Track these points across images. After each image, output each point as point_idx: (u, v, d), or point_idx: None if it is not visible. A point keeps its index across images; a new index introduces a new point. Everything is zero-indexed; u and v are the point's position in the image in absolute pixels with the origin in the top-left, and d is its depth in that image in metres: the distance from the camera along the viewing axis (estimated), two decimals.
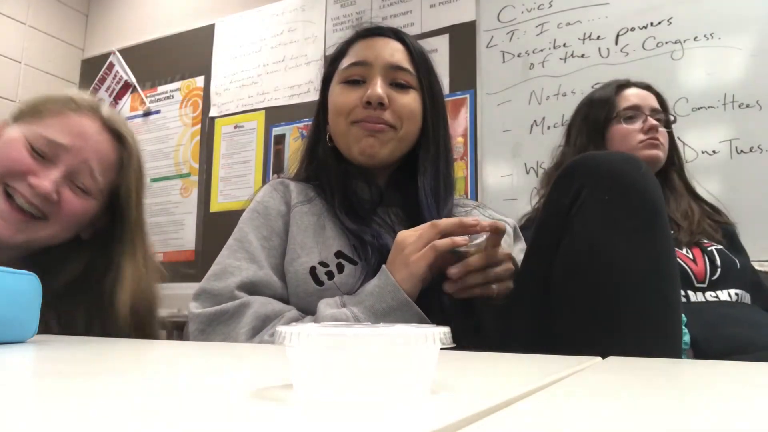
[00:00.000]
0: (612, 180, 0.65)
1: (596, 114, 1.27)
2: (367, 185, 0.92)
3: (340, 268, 0.81)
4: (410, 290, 0.73)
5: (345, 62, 0.92)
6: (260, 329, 0.76)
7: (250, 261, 0.84)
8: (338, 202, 0.87)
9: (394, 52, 0.91)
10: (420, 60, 0.93)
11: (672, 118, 1.29)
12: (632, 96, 1.25)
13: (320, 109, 0.98)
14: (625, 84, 1.29)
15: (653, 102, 1.26)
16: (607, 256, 0.63)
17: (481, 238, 0.74)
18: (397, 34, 0.94)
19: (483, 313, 0.80)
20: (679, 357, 0.63)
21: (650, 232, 0.64)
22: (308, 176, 0.96)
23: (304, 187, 0.93)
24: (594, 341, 0.63)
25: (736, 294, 1.08)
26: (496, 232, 0.73)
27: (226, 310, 0.78)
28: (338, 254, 0.82)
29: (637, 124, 1.23)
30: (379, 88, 0.87)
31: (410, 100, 0.90)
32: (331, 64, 0.96)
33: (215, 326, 0.77)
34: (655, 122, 1.22)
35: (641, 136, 1.21)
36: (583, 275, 0.65)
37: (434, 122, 0.93)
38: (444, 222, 0.74)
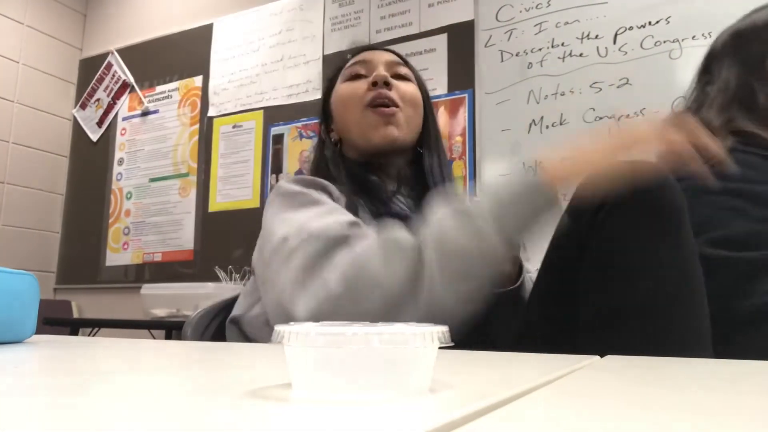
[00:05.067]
0: (636, 188, 0.67)
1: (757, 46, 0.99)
2: (381, 181, 0.94)
3: None
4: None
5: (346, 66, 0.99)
6: (390, 247, 0.65)
7: (343, 211, 0.76)
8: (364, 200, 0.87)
9: (388, 54, 0.99)
10: (409, 63, 1.01)
11: None
12: None
13: (323, 120, 1.02)
14: None
15: None
16: (635, 256, 0.65)
17: None
18: (388, 49, 1.01)
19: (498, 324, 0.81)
20: (710, 354, 0.64)
21: (676, 235, 0.66)
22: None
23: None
24: (618, 340, 0.64)
25: None
26: None
27: (350, 235, 0.66)
28: None
29: None
30: (382, 71, 0.93)
31: (410, 88, 0.96)
32: (330, 81, 1.02)
33: (336, 249, 0.65)
34: None
35: None
36: (610, 274, 0.66)
37: (432, 117, 0.99)
38: None
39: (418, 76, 1.00)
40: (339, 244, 0.65)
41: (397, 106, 0.91)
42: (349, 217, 0.72)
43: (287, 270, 0.66)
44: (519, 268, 0.82)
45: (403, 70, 0.97)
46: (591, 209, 0.69)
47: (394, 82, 0.93)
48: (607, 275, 0.67)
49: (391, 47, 1.04)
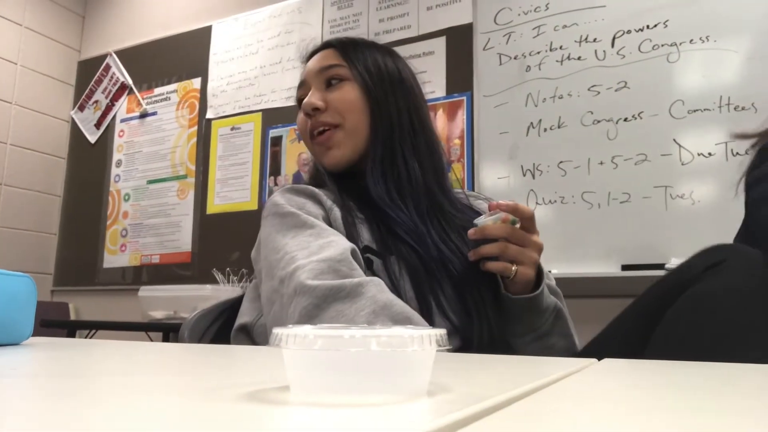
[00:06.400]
0: (755, 265, 0.69)
1: None
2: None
3: (369, 264, 0.79)
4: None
5: None
6: (380, 314, 0.70)
7: (333, 234, 0.78)
8: (355, 202, 0.86)
9: (322, 58, 0.91)
10: (350, 50, 0.91)
11: None
12: None
13: None
14: None
15: None
16: (729, 311, 0.66)
17: (498, 214, 0.78)
18: (329, 43, 0.94)
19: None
20: None
21: None
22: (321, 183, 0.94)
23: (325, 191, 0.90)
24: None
25: None
26: (514, 212, 0.77)
27: (344, 286, 0.70)
28: (365, 249, 0.80)
29: None
30: (310, 96, 0.88)
31: (343, 92, 0.88)
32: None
33: (331, 303, 0.70)
34: None
35: None
36: (697, 319, 0.67)
37: (381, 100, 0.88)
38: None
39: (360, 60, 0.90)
40: (329, 302, 0.70)
41: (336, 125, 0.87)
42: (339, 248, 0.74)
43: (288, 318, 0.72)
44: (539, 277, 0.81)
45: (335, 72, 0.89)
46: (703, 265, 0.70)
47: (326, 96, 0.88)
48: (692, 314, 0.67)
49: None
